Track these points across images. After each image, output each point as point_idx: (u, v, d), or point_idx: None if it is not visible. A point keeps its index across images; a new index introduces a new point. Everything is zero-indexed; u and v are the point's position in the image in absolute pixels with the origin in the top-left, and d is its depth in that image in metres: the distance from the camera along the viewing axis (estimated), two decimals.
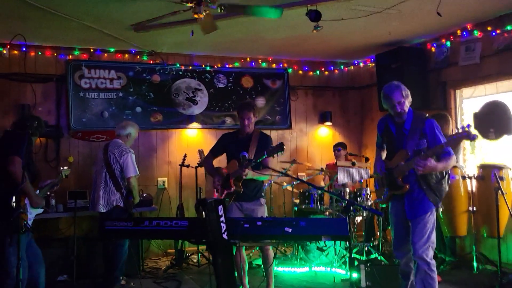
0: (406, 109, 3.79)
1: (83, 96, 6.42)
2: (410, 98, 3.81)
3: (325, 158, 7.63)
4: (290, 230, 2.86)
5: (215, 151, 4.74)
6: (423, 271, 3.69)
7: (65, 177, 4.58)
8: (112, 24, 5.47)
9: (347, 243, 5.82)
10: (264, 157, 4.16)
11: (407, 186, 3.74)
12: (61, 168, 4.62)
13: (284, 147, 4.10)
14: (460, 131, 3.52)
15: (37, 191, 4.12)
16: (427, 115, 3.85)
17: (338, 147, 6.92)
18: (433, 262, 3.73)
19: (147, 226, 3.04)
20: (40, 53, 6.27)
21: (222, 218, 2.87)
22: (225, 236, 2.88)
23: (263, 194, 4.61)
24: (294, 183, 6.27)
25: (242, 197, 4.41)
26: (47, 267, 5.20)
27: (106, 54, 6.62)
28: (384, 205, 4.09)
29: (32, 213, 4.01)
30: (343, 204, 5.63)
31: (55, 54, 6.35)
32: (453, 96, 6.33)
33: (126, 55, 6.71)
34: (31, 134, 3.98)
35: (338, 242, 5.66)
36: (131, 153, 5.07)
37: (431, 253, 3.73)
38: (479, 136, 5.76)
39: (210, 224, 2.85)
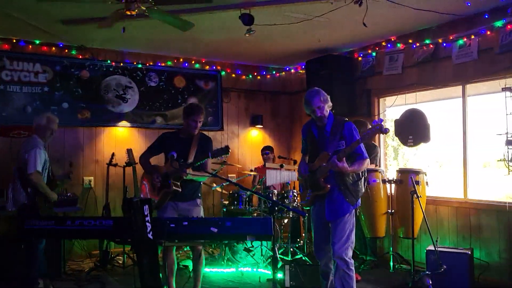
0: (326, 113, 3.98)
1: (3, 89, 6.08)
2: (329, 103, 4.00)
3: (255, 160, 7.76)
4: (216, 230, 2.90)
5: (153, 149, 4.66)
6: (342, 270, 3.84)
7: None
8: (39, 16, 5.24)
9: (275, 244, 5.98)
10: (207, 159, 4.22)
11: (329, 186, 3.91)
12: None
13: (229, 150, 4.19)
14: (372, 126, 3.75)
15: None
16: (346, 119, 4.06)
17: (266, 150, 7.06)
18: (352, 261, 3.90)
19: (70, 226, 2.96)
20: None
21: (148, 218, 2.85)
22: (150, 235, 2.87)
23: (199, 194, 4.61)
24: (224, 184, 6.31)
25: (178, 197, 4.39)
26: None
27: (30, 46, 6.31)
28: (308, 208, 4.24)
29: None
30: (269, 205, 5.75)
31: None
32: (377, 103, 6.67)
33: (53, 48, 6.44)
34: None
35: (264, 243, 5.78)
36: (38, 148, 4.80)
37: (350, 253, 3.90)
38: (400, 144, 6.14)
39: (135, 224, 2.83)
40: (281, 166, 5.80)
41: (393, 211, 5.57)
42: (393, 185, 5.61)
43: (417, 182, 5.21)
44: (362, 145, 3.94)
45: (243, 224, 2.97)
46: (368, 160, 3.97)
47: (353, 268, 3.90)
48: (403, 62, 6.16)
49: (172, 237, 2.97)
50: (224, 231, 2.91)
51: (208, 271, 5.65)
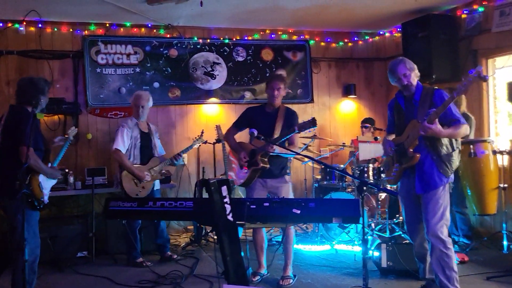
0: (414, 82, 3.70)
1: (100, 72, 6.34)
2: (417, 72, 3.73)
3: (348, 133, 7.39)
4: (298, 211, 2.71)
5: (239, 124, 4.58)
6: (438, 249, 3.52)
7: (73, 139, 4.55)
8: None
9: (369, 221, 5.66)
10: (294, 132, 4.09)
11: (418, 155, 3.59)
12: (68, 132, 4.56)
13: (317, 122, 4.03)
14: (469, 75, 3.29)
15: (49, 164, 4.04)
16: (436, 87, 3.77)
17: (365, 123, 6.63)
18: (449, 240, 3.57)
19: (151, 207, 2.95)
20: (56, 29, 6.19)
21: (227, 199, 2.73)
22: (230, 217, 2.75)
23: (288, 171, 4.47)
24: (315, 158, 6.06)
25: (267, 173, 4.31)
26: (68, 244, 5.31)
27: (122, 29, 6.48)
28: (395, 185, 3.92)
29: (47, 189, 3.96)
30: (357, 184, 5.43)
31: (71, 30, 6.26)
32: (485, 65, 5.95)
33: (143, 29, 6.57)
34: (34, 106, 3.77)
35: (360, 220, 5.49)
36: (121, 127, 5.03)
37: (446, 231, 3.57)
38: None
39: (214, 206, 2.72)
40: (375, 139, 5.42)
41: (505, 185, 4.95)
42: (505, 157, 4.97)
43: None
44: (456, 110, 3.61)
45: (328, 206, 2.75)
46: (466, 126, 3.56)
47: (451, 247, 3.55)
48: None
49: (253, 218, 2.83)
50: (307, 213, 2.72)
51: (302, 248, 5.51)
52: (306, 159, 6.41)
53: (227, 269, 2.87)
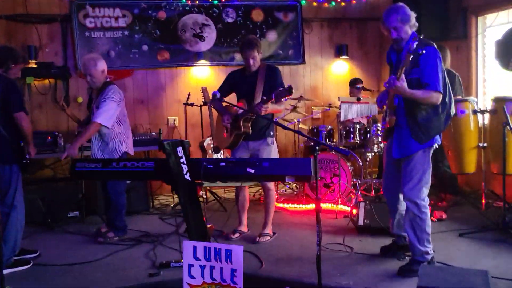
0: (405, 35, 3.36)
1: (88, 35, 6.37)
2: (412, 23, 3.39)
3: (341, 93, 7.35)
4: (253, 170, 2.79)
5: (223, 91, 4.54)
6: (412, 213, 3.50)
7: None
8: None
9: (357, 180, 5.76)
10: (270, 99, 4.07)
11: (394, 118, 3.47)
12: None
13: (293, 90, 3.96)
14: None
15: None
16: (431, 43, 3.40)
17: (357, 84, 6.54)
18: (424, 203, 3.50)
19: (114, 167, 3.06)
20: None
21: (183, 160, 2.82)
22: (187, 177, 2.85)
23: (271, 133, 4.52)
24: (300, 120, 6.11)
25: (249, 135, 4.39)
26: (58, 204, 5.51)
27: None
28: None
29: None
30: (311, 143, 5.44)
31: None
32: (475, 23, 5.86)
33: None
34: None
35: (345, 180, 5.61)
36: None
37: (423, 194, 3.49)
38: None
39: (171, 166, 2.82)
40: (358, 99, 5.42)
41: (485, 144, 4.95)
42: (486, 116, 4.95)
43: None
44: (434, 72, 3.28)
45: (282, 165, 2.82)
46: (437, 95, 3.31)
47: (425, 211, 3.50)
48: None
49: (210, 177, 2.94)
50: (261, 172, 2.80)
51: (287, 207, 5.65)
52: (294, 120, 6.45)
53: (189, 226, 3.00)
